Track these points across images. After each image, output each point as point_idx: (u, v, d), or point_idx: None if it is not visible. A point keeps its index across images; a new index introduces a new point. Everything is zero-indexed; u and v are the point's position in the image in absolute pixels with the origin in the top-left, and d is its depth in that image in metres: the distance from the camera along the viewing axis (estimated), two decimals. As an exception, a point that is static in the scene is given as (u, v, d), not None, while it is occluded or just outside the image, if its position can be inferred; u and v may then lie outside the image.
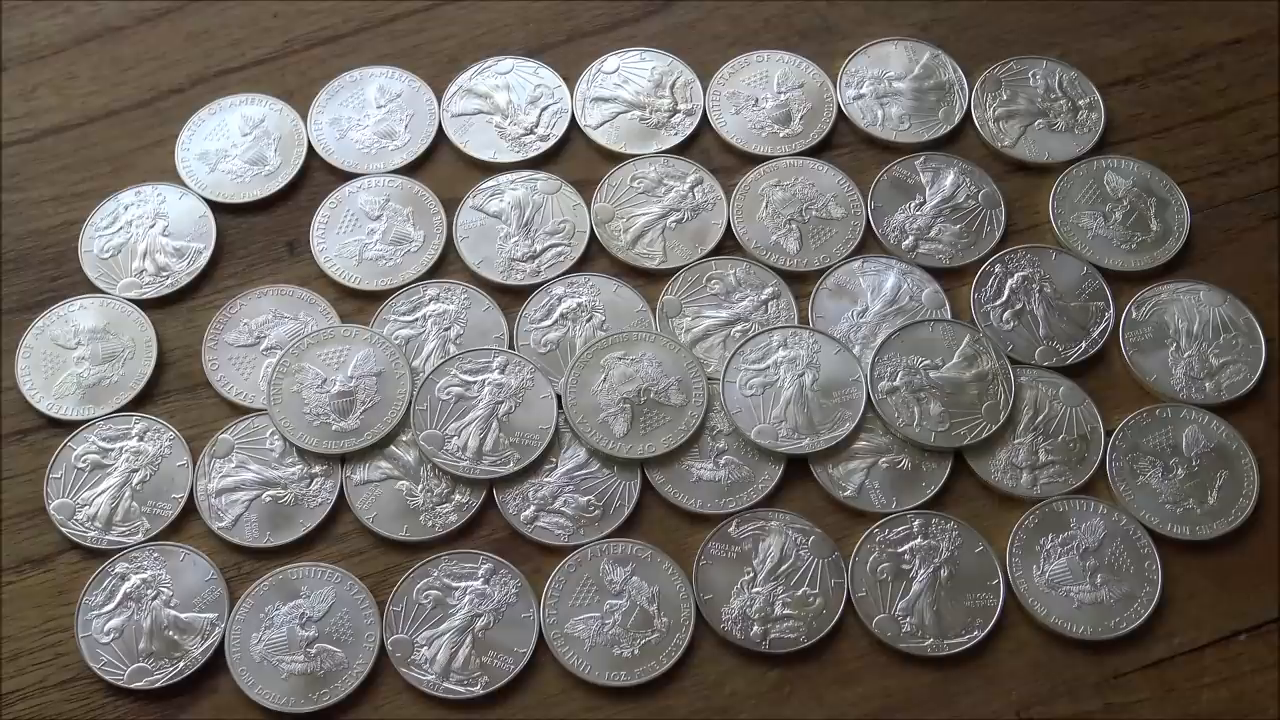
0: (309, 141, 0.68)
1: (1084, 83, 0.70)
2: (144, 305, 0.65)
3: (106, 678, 0.57)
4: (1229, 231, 0.66)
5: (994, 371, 0.62)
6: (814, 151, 0.68)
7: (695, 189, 0.67)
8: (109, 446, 0.61)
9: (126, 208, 0.67)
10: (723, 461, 0.61)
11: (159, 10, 0.72)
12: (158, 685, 0.57)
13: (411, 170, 0.68)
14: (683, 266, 0.65)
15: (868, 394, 0.62)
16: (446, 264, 0.66)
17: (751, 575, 0.58)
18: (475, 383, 0.62)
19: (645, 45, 0.71)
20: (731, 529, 0.59)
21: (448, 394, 0.62)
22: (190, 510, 0.60)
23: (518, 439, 0.61)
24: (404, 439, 0.61)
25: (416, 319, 0.64)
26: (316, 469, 0.61)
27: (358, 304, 0.65)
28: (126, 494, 0.60)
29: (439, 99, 0.69)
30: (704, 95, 0.69)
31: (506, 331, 0.64)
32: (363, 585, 0.59)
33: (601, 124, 0.69)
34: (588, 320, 0.64)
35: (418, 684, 0.57)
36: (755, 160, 0.68)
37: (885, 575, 0.59)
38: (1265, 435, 0.62)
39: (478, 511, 0.60)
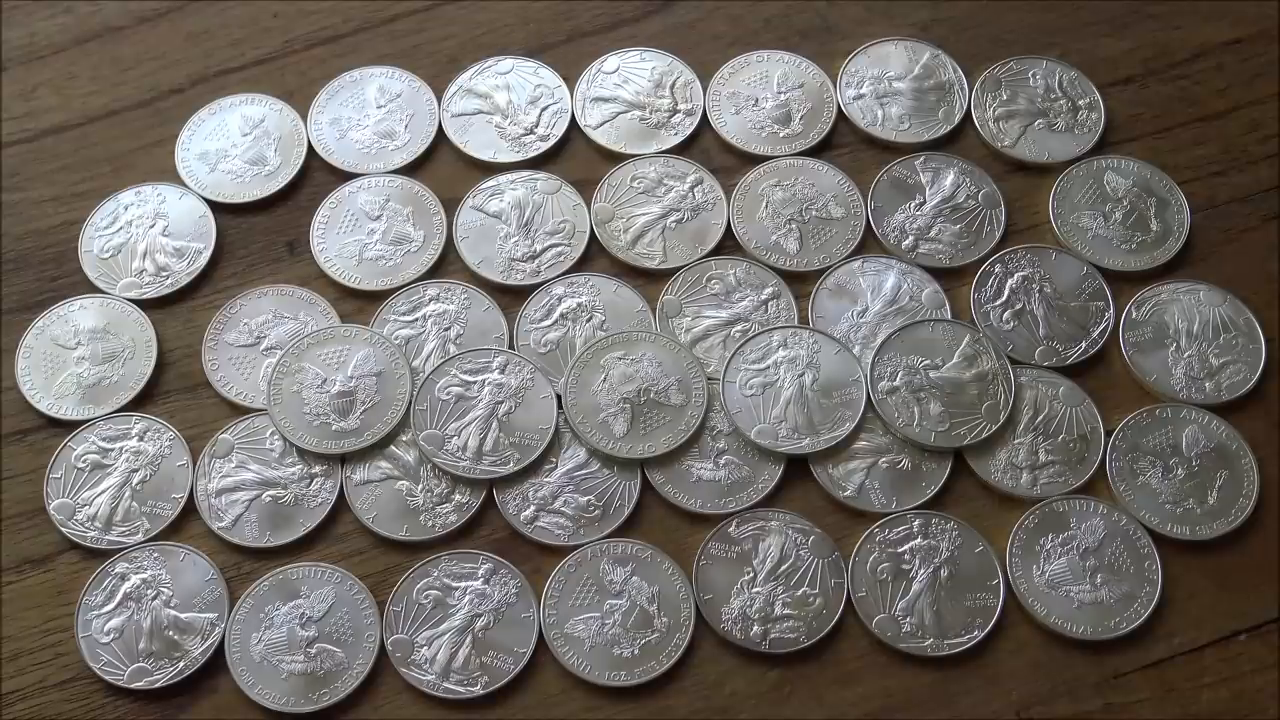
0: (309, 141, 0.68)
1: (1084, 83, 0.70)
2: (144, 305, 0.65)
3: (106, 678, 0.57)
4: (1229, 231, 0.66)
5: (994, 371, 0.62)
6: (814, 151, 0.68)
7: (695, 189, 0.67)
8: (109, 446, 0.61)
9: (126, 208, 0.67)
10: (723, 461, 0.61)
11: (159, 10, 0.72)
12: (158, 685, 0.57)
13: (411, 170, 0.68)
14: (683, 266, 0.65)
15: (868, 394, 0.62)
16: (446, 264, 0.66)
17: (751, 575, 0.58)
18: (475, 383, 0.62)
19: (645, 45, 0.71)
20: (731, 529, 0.59)
21: (448, 394, 0.62)
22: (190, 510, 0.60)
23: (518, 439, 0.61)
24: (404, 439, 0.61)
25: (416, 319, 0.64)
26: (316, 469, 0.61)
27: (358, 304, 0.65)
28: (126, 494, 0.60)
29: (439, 99, 0.69)
30: (704, 95, 0.69)
31: (506, 331, 0.64)
32: (363, 585, 0.58)
33: (601, 124, 0.69)
34: (588, 320, 0.64)
35: (418, 684, 0.57)
36: (755, 160, 0.68)
37: (885, 575, 0.59)
38: (1265, 435, 0.61)
39: (478, 511, 0.60)
